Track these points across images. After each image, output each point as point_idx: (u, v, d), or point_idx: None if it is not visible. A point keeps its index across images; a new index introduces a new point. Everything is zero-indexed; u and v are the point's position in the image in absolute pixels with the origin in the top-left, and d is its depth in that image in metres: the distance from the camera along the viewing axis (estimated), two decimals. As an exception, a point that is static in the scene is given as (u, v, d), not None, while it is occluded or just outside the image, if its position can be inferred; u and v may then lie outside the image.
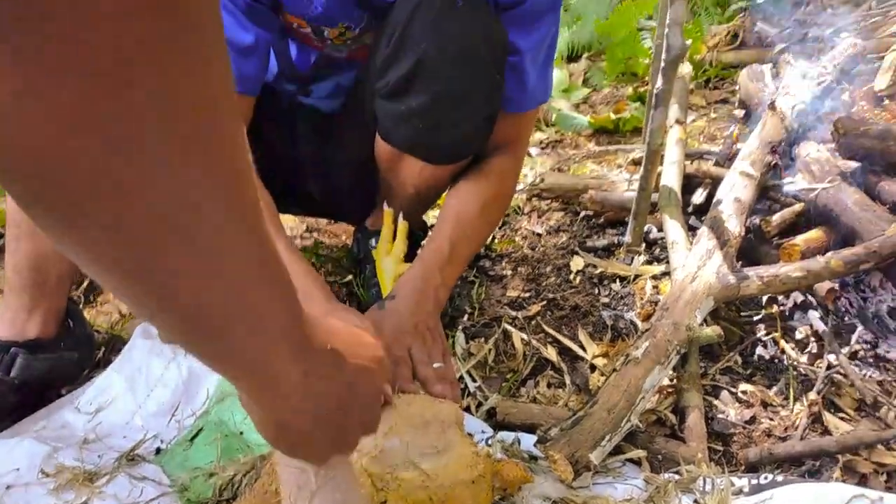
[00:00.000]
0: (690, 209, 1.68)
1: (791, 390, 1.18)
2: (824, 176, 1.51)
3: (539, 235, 1.71)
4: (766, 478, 0.94)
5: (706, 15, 3.18)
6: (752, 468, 1.02)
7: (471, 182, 1.19)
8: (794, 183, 1.56)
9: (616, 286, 1.47)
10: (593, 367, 1.26)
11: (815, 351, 1.25)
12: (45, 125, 0.27)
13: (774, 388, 1.19)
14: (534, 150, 2.25)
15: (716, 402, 1.17)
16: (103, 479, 0.92)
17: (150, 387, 1.07)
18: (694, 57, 2.72)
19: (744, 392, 1.19)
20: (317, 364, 0.50)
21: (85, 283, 1.37)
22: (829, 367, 1.20)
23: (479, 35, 1.01)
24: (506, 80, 1.10)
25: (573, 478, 0.94)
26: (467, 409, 1.13)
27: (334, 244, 1.66)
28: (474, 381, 1.21)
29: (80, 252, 0.34)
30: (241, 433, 1.00)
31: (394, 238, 1.22)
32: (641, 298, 1.42)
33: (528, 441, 1.03)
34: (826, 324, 1.27)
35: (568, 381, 1.22)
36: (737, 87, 2.43)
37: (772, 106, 1.74)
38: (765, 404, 1.16)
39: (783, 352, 1.27)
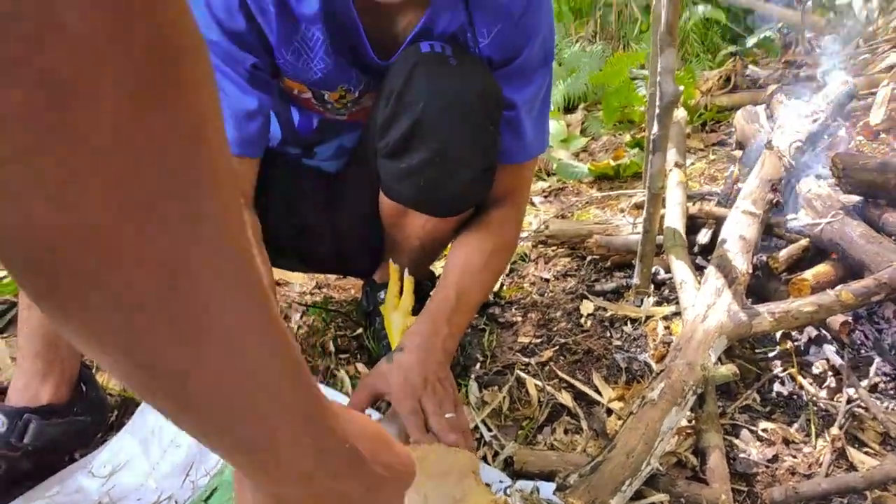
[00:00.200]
0: (696, 249, 1.68)
1: (812, 426, 1.16)
2: (827, 211, 1.52)
3: (547, 281, 1.71)
4: (794, 517, 0.92)
5: (697, 61, 3.26)
6: (779, 508, 1.00)
7: (474, 232, 1.21)
8: (797, 219, 1.58)
9: (628, 328, 1.46)
10: (609, 411, 1.24)
11: (833, 385, 1.23)
12: (34, 203, 0.25)
13: (795, 425, 1.17)
14: (537, 199, 2.28)
15: (736, 441, 1.15)
16: (118, 544, 0.90)
17: (164, 448, 1.06)
18: (688, 102, 2.78)
19: (764, 430, 1.17)
20: (331, 460, 0.45)
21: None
22: (850, 400, 1.18)
23: (473, 92, 1.04)
24: (502, 133, 1.12)
25: (596, 524, 0.92)
26: (484, 459, 1.11)
27: (344, 298, 1.67)
28: (490, 430, 1.19)
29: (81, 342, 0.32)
30: (257, 492, 0.98)
31: (401, 292, 1.23)
32: (654, 339, 1.41)
33: (547, 489, 1.01)
34: (843, 357, 1.26)
35: (585, 427, 1.20)
36: (733, 129, 2.48)
37: (769, 145, 1.76)
38: (787, 442, 1.14)
39: (801, 387, 1.25)
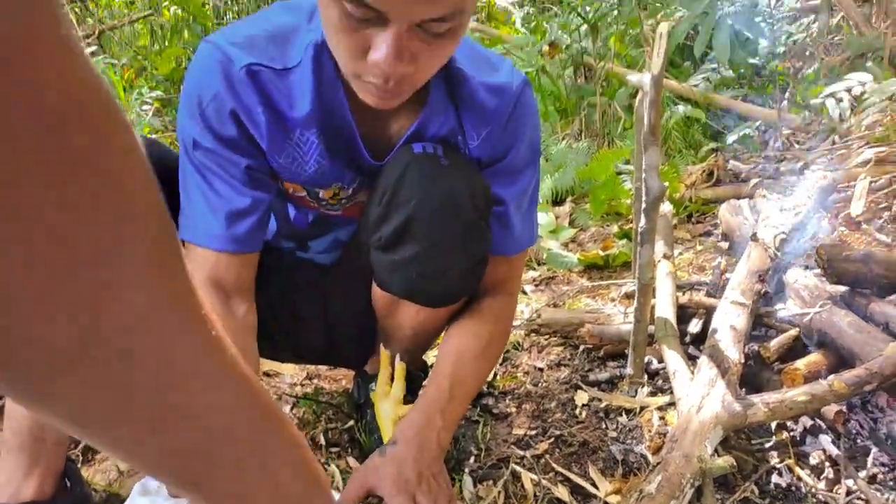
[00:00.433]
0: (688, 339, 1.69)
1: (814, 520, 1.13)
2: (814, 300, 1.55)
3: (541, 370, 1.70)
4: None
5: (680, 156, 3.37)
6: None
7: (467, 322, 1.22)
8: (786, 308, 1.60)
9: (623, 419, 1.45)
10: (607, 506, 1.21)
11: (831, 476, 1.22)
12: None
13: (796, 519, 1.15)
14: (528, 287, 2.30)
15: (738, 537, 1.12)
16: None
17: (149, 547, 1.02)
18: (673, 195, 2.85)
19: (765, 525, 1.14)
20: None
21: (83, 443, 1.34)
22: (849, 492, 1.16)
23: (463, 190, 1.08)
24: (492, 228, 1.16)
25: None
26: (480, 558, 1.08)
27: (335, 389, 1.65)
28: (485, 526, 1.16)
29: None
30: None
31: (392, 379, 1.22)
32: (649, 430, 1.40)
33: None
34: (839, 447, 1.25)
35: (582, 523, 1.17)
36: (718, 221, 2.54)
37: (754, 237, 1.81)
38: (789, 537, 1.12)
39: (799, 479, 1.23)
